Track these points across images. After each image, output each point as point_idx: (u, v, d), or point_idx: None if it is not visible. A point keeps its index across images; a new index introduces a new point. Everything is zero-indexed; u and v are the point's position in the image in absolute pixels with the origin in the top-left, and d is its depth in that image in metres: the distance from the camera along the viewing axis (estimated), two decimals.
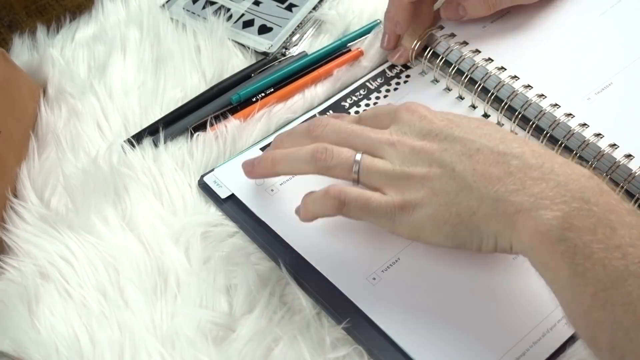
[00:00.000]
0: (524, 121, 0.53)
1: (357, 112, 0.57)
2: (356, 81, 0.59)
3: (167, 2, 0.66)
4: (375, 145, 0.45)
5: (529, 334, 0.44)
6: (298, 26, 0.63)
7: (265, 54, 0.62)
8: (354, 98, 0.58)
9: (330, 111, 0.57)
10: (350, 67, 0.60)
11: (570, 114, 0.52)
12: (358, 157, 0.44)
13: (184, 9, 0.66)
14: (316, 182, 0.52)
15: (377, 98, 0.58)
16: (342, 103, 0.58)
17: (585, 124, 0.51)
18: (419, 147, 0.43)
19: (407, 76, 0.59)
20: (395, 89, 0.58)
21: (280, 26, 0.63)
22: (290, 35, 0.63)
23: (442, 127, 0.43)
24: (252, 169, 0.50)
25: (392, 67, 0.60)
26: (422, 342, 0.44)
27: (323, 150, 0.45)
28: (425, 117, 0.45)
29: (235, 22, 0.65)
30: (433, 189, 0.42)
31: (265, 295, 0.47)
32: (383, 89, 0.58)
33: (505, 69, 0.55)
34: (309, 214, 0.46)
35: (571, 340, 0.44)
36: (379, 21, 0.63)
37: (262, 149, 0.55)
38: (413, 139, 0.44)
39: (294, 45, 0.63)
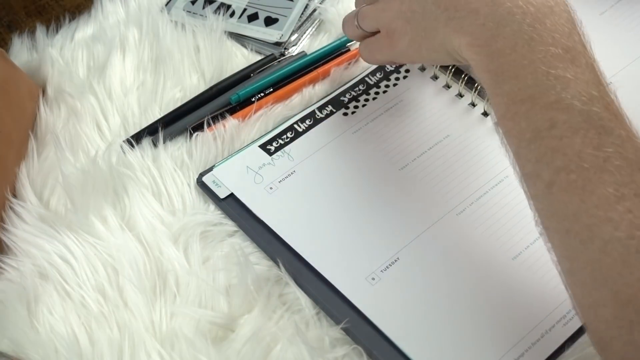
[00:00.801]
0: None
1: (356, 107, 0.57)
2: (355, 77, 0.59)
3: (166, 5, 0.66)
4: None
5: (529, 334, 0.44)
6: (302, 13, 0.64)
7: (277, 44, 0.62)
8: (353, 93, 0.58)
9: (330, 106, 0.57)
10: (349, 67, 0.60)
11: None
12: None
13: (183, 10, 0.66)
14: (318, 180, 0.52)
15: (377, 93, 0.57)
16: (342, 98, 0.58)
17: None
18: None
19: (407, 71, 0.59)
20: (395, 85, 0.58)
21: (285, 16, 0.64)
22: (297, 23, 0.63)
23: None
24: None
25: None
26: (421, 342, 0.44)
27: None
28: None
29: (240, 17, 0.65)
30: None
31: (265, 295, 0.47)
32: (382, 84, 0.58)
33: None
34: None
35: (571, 340, 0.44)
36: None
37: (261, 146, 0.54)
38: None
39: (293, 45, 0.63)
